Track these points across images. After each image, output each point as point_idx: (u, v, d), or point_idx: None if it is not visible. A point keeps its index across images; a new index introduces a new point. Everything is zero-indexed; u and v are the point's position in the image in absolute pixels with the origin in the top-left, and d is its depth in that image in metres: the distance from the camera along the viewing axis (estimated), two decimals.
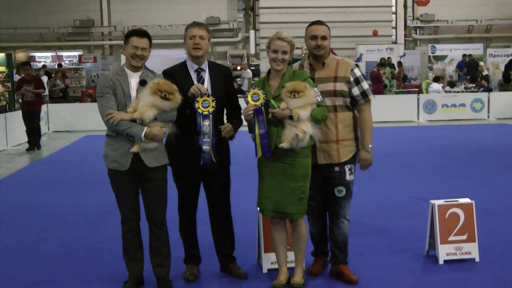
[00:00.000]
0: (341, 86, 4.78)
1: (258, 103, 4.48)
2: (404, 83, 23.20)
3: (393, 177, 9.59)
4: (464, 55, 25.05)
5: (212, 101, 4.62)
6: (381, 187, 8.73)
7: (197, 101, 4.62)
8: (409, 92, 21.29)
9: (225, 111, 4.98)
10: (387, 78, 21.66)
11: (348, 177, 4.84)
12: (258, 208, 4.82)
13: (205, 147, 4.63)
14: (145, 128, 4.41)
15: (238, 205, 6.30)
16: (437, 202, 5.31)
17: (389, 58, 24.02)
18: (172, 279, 4.86)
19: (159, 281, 4.73)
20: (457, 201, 5.38)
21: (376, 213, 7.17)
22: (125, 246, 4.67)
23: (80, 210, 7.69)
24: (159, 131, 4.46)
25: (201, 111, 4.60)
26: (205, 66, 4.86)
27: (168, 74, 4.77)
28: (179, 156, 4.78)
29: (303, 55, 4.92)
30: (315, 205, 4.97)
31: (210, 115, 4.62)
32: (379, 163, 10.63)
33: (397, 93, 21.24)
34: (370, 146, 4.85)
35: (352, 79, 4.81)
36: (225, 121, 4.93)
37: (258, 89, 4.52)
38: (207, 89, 4.73)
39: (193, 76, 4.81)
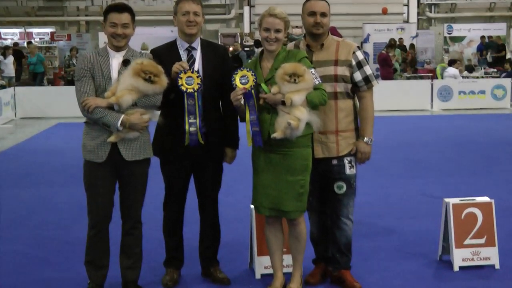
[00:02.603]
0: (342, 71, 4.76)
1: (247, 86, 4.44)
2: (413, 67, 23.14)
3: (403, 172, 9.60)
4: (482, 37, 25.01)
5: (197, 77, 4.60)
6: (389, 183, 8.73)
7: (180, 78, 4.59)
8: (422, 78, 21.30)
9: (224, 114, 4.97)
10: (397, 61, 21.64)
11: (348, 170, 4.83)
12: (252, 206, 4.80)
13: (192, 129, 4.62)
14: (122, 115, 4.36)
15: (228, 202, 6.30)
16: (452, 201, 5.31)
17: (400, 39, 24.02)
18: (148, 284, 4.86)
19: (128, 286, 4.72)
20: (474, 199, 5.38)
21: (383, 213, 7.17)
22: (89, 251, 4.64)
23: (51, 207, 7.67)
24: (139, 119, 4.40)
25: (184, 89, 4.58)
26: (196, 44, 4.85)
27: (154, 53, 4.77)
28: (168, 144, 4.79)
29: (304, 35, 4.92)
30: (315, 202, 4.96)
31: (195, 93, 4.59)
32: (387, 156, 10.78)
33: (408, 78, 21.25)
34: (370, 138, 4.85)
35: (354, 62, 4.79)
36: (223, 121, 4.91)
37: (247, 71, 4.48)
38: (198, 70, 4.71)
39: (183, 55, 4.80)
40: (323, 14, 4.77)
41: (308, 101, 4.44)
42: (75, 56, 21.14)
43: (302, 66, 4.41)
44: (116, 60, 4.54)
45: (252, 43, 23.86)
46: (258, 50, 22.27)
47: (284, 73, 4.36)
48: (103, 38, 23.42)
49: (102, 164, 4.47)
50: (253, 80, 4.44)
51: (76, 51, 21.84)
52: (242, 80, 4.46)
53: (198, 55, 4.82)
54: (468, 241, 5.25)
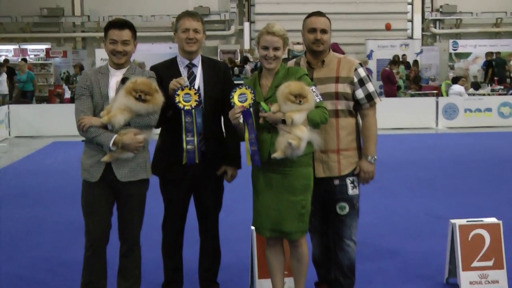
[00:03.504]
0: (344, 88, 4.78)
1: (245, 104, 4.45)
2: (416, 84, 23.21)
3: (408, 192, 9.58)
4: (488, 53, 25.06)
5: (195, 94, 4.62)
6: (393, 203, 8.73)
7: (178, 95, 4.61)
8: (426, 95, 21.34)
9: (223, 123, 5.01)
10: (401, 78, 21.71)
11: (350, 191, 4.84)
12: (253, 227, 4.81)
13: (189, 147, 4.64)
14: (115, 135, 4.38)
15: (229, 222, 6.30)
16: (459, 222, 5.30)
17: (403, 55, 24.12)
18: None
19: None
20: (481, 220, 5.38)
21: (387, 233, 7.17)
22: (86, 272, 4.64)
23: (46, 228, 7.68)
24: (132, 139, 4.40)
25: (182, 106, 4.60)
26: (197, 61, 4.89)
27: (154, 70, 4.81)
28: (166, 162, 4.82)
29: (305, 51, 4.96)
30: (317, 222, 4.97)
31: (193, 110, 4.62)
32: (391, 175, 10.78)
33: (412, 95, 21.29)
34: (373, 156, 4.85)
35: (356, 79, 4.81)
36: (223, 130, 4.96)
37: (246, 88, 4.49)
38: (198, 87, 4.75)
39: (183, 72, 4.84)
40: (324, 31, 4.80)
41: (309, 120, 4.44)
42: (80, 73, 20.96)
43: (306, 87, 4.42)
44: (115, 78, 4.57)
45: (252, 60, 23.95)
46: (247, 67, 22.44)
47: (289, 92, 4.35)
48: (100, 54, 23.54)
49: (97, 183, 4.50)
50: (252, 98, 4.45)
51: (80, 68, 21.48)
52: (241, 98, 4.47)
53: (198, 72, 4.86)
54: (475, 264, 5.24)
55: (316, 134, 4.50)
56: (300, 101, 4.34)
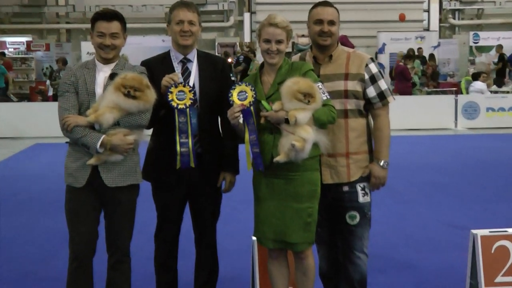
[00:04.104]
0: (353, 86, 4.78)
1: (245, 102, 4.44)
2: (433, 81, 23.20)
3: (423, 199, 9.57)
4: (499, 46, 24.89)
5: (190, 91, 4.62)
6: (407, 211, 8.74)
7: (171, 93, 4.61)
8: (444, 93, 21.34)
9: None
10: (416, 74, 21.70)
11: (361, 198, 4.84)
12: (254, 237, 4.81)
13: (183, 149, 4.64)
14: (103, 136, 4.38)
15: (227, 232, 6.30)
16: (480, 232, 5.29)
17: (419, 49, 24.12)
18: None
19: None
20: (506, 231, 5.37)
21: (401, 245, 7.18)
22: (71, 287, 4.63)
23: (29, 238, 7.68)
24: (121, 140, 4.40)
25: (175, 104, 4.60)
26: (192, 56, 4.90)
27: (145, 66, 4.82)
28: (159, 167, 4.82)
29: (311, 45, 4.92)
30: (324, 232, 4.97)
31: (187, 109, 4.62)
32: (405, 180, 10.76)
33: (429, 93, 21.29)
34: (386, 161, 4.86)
35: (367, 76, 4.81)
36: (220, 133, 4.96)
37: (246, 85, 4.49)
38: (194, 84, 4.76)
39: (177, 68, 4.84)
40: (331, 23, 4.78)
41: (315, 119, 4.43)
42: (63, 68, 20.82)
43: (316, 85, 4.42)
44: (103, 73, 4.57)
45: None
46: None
47: (298, 90, 4.34)
48: (86, 48, 23.55)
49: (82, 189, 4.49)
50: (253, 96, 4.44)
51: (63, 63, 21.37)
52: (240, 96, 4.47)
53: (194, 68, 4.87)
54: (499, 279, 5.23)
55: (322, 135, 4.48)
56: (309, 101, 4.34)
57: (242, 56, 22.54)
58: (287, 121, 4.37)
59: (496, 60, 24.81)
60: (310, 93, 4.34)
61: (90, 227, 4.57)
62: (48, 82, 22.31)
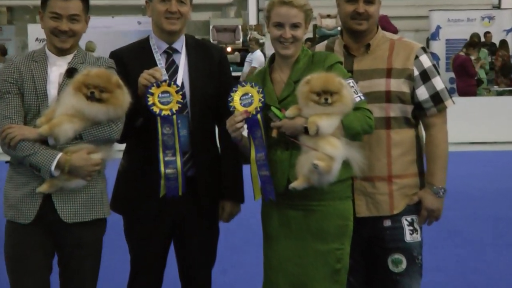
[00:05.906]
0: (398, 85, 4.76)
1: (250, 109, 4.41)
2: (505, 77, 23.18)
3: (492, 238, 9.53)
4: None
5: (177, 92, 4.60)
6: (471, 255, 8.72)
7: (151, 94, 4.56)
8: None
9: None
10: (482, 67, 21.69)
11: (408, 237, 4.83)
12: None
13: (168, 171, 4.61)
14: (59, 154, 4.34)
15: (226, 282, 6.29)
16: None
17: (487, 33, 24.07)
18: None
19: None
20: None
21: None
22: None
23: None
24: (85, 160, 4.39)
25: (157, 110, 4.57)
26: (180, 45, 4.91)
27: (116, 58, 4.82)
28: (135, 195, 4.82)
29: (338, 29, 4.84)
30: (358, 283, 4.97)
31: (174, 116, 4.59)
32: (467, 213, 10.74)
33: (499, 93, 21.31)
34: (442, 187, 4.84)
35: (417, 72, 4.79)
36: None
37: (252, 86, 4.46)
38: (182, 83, 4.76)
39: (160, 61, 4.84)
40: (369, 1, 4.75)
41: (345, 128, 4.39)
42: (3, 61, 20.92)
43: (336, 77, 4.37)
44: (57, 68, 4.57)
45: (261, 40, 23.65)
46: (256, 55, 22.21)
47: (310, 90, 4.31)
48: (34, 32, 23.61)
49: (29, 226, 4.47)
50: (260, 100, 4.42)
51: (2, 53, 21.22)
52: (244, 100, 4.45)
53: (182, 61, 4.88)
54: None
55: (355, 151, 4.45)
56: (327, 99, 4.28)
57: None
58: (306, 131, 4.32)
59: None
60: (325, 89, 4.28)
61: (39, 277, 4.56)
62: None
